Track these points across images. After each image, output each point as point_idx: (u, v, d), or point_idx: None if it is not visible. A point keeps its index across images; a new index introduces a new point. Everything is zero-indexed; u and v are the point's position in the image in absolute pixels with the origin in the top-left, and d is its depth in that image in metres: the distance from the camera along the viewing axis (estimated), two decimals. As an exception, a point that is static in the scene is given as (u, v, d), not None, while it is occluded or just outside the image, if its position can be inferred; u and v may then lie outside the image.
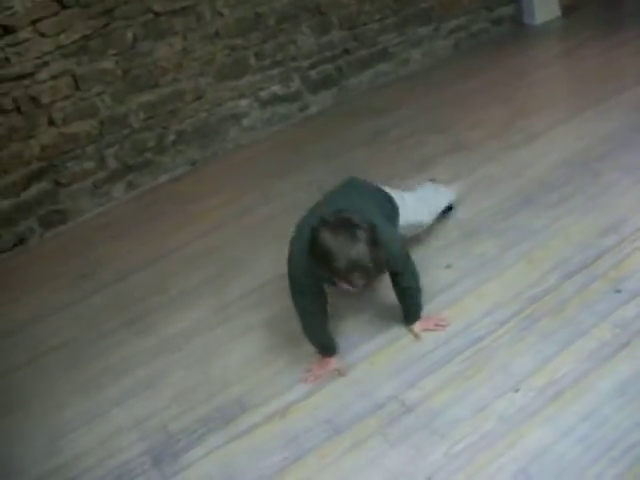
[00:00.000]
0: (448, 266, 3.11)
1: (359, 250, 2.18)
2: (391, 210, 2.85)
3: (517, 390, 2.37)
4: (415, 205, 3.05)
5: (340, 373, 2.66)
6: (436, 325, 2.73)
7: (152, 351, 3.09)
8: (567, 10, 6.17)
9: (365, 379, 2.61)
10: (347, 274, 2.21)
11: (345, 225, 2.23)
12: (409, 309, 2.74)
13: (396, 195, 2.94)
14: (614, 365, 2.36)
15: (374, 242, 2.23)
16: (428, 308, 2.85)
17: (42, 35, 4.08)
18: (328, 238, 2.21)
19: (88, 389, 2.95)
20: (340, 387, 2.60)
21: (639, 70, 4.67)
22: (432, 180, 3.60)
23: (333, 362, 2.69)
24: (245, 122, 5.04)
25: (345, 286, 2.30)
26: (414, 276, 2.67)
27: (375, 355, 2.71)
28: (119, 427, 2.70)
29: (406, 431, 2.34)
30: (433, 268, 3.11)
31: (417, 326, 2.74)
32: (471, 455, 2.18)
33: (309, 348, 2.77)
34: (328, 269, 2.24)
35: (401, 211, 2.89)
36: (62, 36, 4.13)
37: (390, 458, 2.26)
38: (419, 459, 2.22)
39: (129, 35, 4.36)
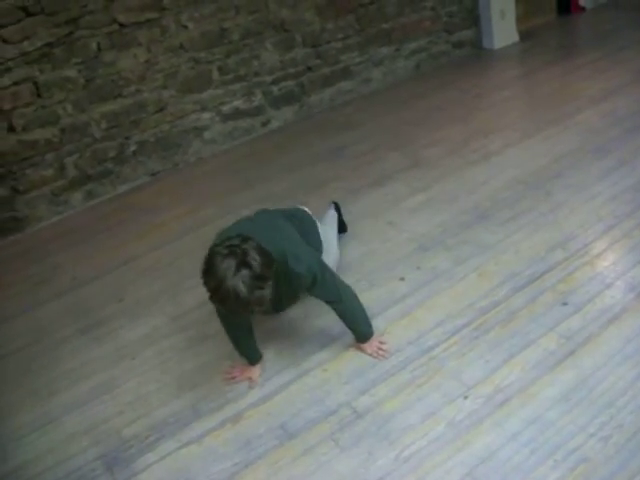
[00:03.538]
0: (402, 279, 3.18)
1: (233, 286, 2.10)
2: (317, 243, 2.90)
3: (466, 397, 2.43)
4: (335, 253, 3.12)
5: (250, 384, 2.73)
6: (378, 353, 2.73)
7: (108, 358, 3.08)
8: (524, 36, 6.36)
9: (318, 386, 2.65)
10: (217, 302, 2.22)
11: (235, 256, 2.15)
12: (353, 332, 2.76)
13: (325, 239, 2.98)
14: (559, 373, 2.45)
15: (262, 278, 2.16)
16: (383, 319, 2.93)
17: (5, 41, 4.07)
18: (215, 263, 2.16)
19: (42, 395, 2.93)
20: (293, 393, 2.64)
21: (592, 94, 4.83)
22: (337, 208, 3.56)
23: (251, 371, 2.76)
24: (207, 135, 5.08)
25: None
26: (346, 304, 2.66)
27: (328, 363, 2.75)
28: (72, 432, 2.68)
29: (357, 436, 2.38)
30: (387, 280, 3.18)
31: (366, 347, 2.76)
32: (420, 459, 2.23)
33: (263, 356, 2.83)
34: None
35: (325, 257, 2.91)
36: (25, 43, 4.12)
37: (341, 463, 2.29)
38: (369, 463, 2.27)
39: (93, 45, 4.37)
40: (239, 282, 2.10)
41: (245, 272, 2.12)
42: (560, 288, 2.89)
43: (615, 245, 3.11)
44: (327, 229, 3.18)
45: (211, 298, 2.23)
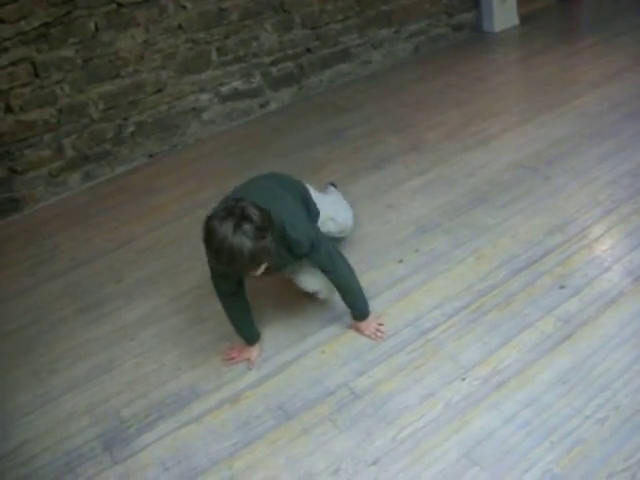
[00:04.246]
0: (400, 261, 3.19)
1: (238, 242, 2.10)
2: (313, 209, 2.87)
3: (463, 379, 2.45)
4: (334, 207, 3.11)
5: (248, 364, 2.75)
6: (375, 334, 2.75)
7: (106, 339, 3.09)
8: (525, 19, 6.33)
9: (316, 367, 2.66)
10: (224, 264, 2.19)
11: (234, 215, 2.14)
12: (351, 309, 2.76)
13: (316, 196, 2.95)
14: (556, 356, 2.46)
15: (263, 228, 2.16)
16: (381, 300, 2.94)
17: (2, 21, 4.04)
18: (214, 227, 2.15)
19: (41, 374, 2.94)
20: (291, 374, 2.65)
21: (591, 78, 4.82)
22: (334, 185, 3.60)
23: (250, 351, 2.78)
24: (205, 116, 5.06)
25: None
26: (340, 276, 2.66)
27: (326, 344, 2.77)
28: (71, 412, 2.70)
29: (355, 417, 2.40)
30: (386, 262, 3.19)
31: (364, 328, 2.77)
32: (417, 440, 2.25)
33: (262, 337, 2.85)
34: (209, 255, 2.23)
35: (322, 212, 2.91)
36: (22, 23, 4.10)
37: (338, 443, 2.31)
38: (367, 444, 2.28)
39: (91, 24, 4.35)
40: (242, 237, 2.10)
41: (247, 226, 2.12)
42: (558, 271, 2.90)
43: (613, 229, 3.12)
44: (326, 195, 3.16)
45: (218, 262, 2.20)
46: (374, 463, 2.21)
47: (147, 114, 4.78)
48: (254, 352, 2.78)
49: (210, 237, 2.15)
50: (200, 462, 2.36)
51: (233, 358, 2.79)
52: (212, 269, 2.55)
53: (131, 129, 4.75)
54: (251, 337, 2.79)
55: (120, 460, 2.44)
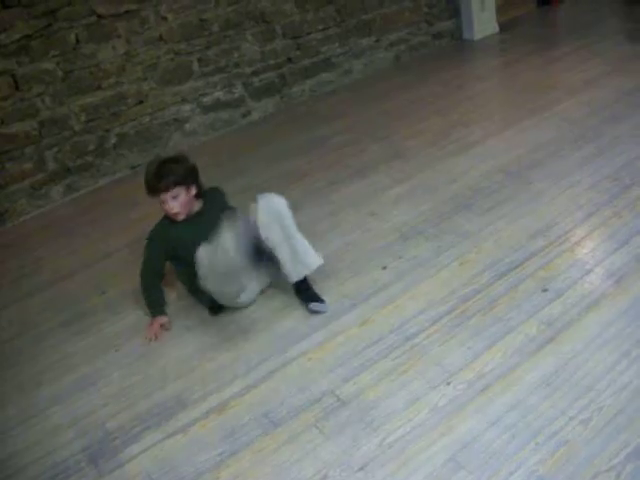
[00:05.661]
0: (384, 268, 3.20)
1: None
2: None
3: (448, 383, 2.46)
4: None
5: (165, 327, 3.10)
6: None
7: (91, 351, 3.08)
8: (504, 27, 6.40)
9: (302, 374, 2.66)
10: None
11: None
12: None
13: None
14: (540, 359, 2.48)
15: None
16: (365, 307, 2.95)
17: (-18, 34, 4.04)
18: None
19: (26, 388, 2.92)
20: (277, 382, 2.65)
21: (570, 84, 4.87)
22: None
23: (162, 319, 3.12)
24: (187, 127, 5.07)
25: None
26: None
27: (312, 352, 2.76)
28: (56, 425, 2.68)
29: (341, 424, 2.40)
30: (370, 269, 3.20)
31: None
32: (404, 445, 2.26)
33: (247, 345, 2.86)
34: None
35: None
36: (2, 35, 4.09)
37: (325, 450, 2.31)
38: (353, 450, 2.28)
39: (71, 37, 4.35)
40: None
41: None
42: (541, 275, 2.92)
43: (594, 232, 3.15)
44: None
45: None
46: (361, 469, 2.21)
47: (129, 126, 4.78)
48: (164, 318, 3.12)
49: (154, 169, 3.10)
50: (187, 473, 2.35)
51: (153, 330, 3.07)
52: (152, 245, 3.18)
53: (113, 141, 4.75)
54: (162, 306, 3.16)
55: (106, 472, 2.42)
